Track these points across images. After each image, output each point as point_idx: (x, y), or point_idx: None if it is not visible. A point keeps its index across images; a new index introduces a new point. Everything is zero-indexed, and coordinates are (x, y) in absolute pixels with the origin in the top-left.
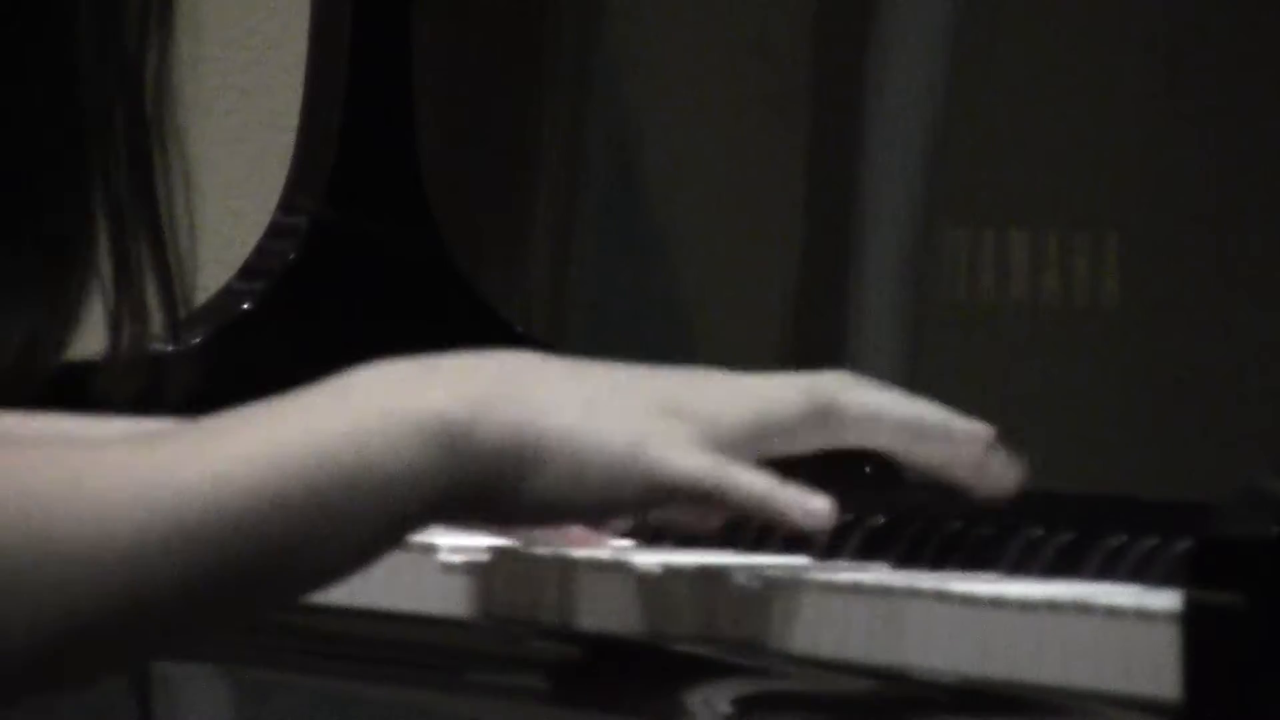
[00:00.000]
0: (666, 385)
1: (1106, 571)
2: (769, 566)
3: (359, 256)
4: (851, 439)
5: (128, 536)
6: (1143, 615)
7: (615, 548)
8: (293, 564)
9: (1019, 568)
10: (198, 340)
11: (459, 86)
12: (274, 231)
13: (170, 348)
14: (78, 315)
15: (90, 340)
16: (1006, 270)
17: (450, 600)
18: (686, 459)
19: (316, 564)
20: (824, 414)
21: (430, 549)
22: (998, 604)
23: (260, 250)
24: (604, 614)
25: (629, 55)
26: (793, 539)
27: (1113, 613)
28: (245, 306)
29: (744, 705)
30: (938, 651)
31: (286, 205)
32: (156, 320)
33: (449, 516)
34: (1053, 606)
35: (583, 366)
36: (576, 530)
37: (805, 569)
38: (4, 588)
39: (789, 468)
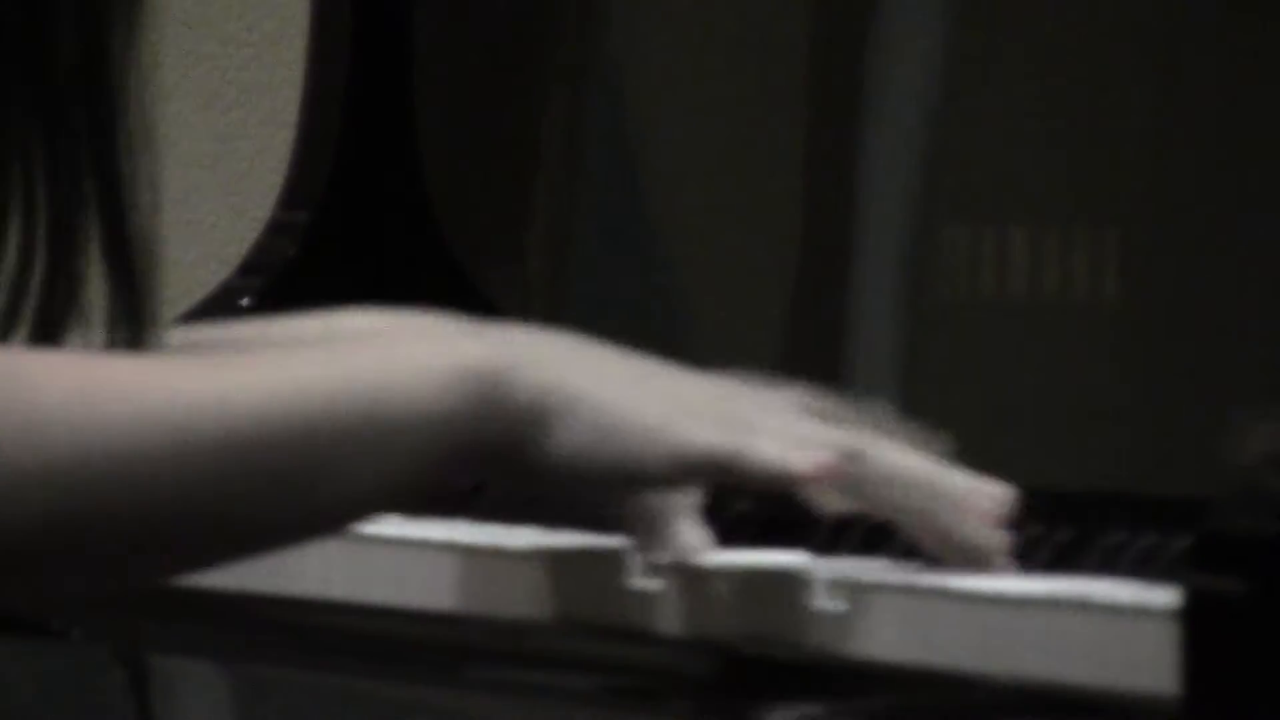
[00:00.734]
0: (705, 386)
1: (1106, 568)
2: (770, 564)
3: (359, 254)
4: (872, 492)
5: (126, 450)
6: (1142, 612)
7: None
8: (305, 492)
9: (1019, 564)
10: None
11: (459, 83)
12: (273, 228)
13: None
14: (71, 304)
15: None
16: (1005, 267)
17: (452, 595)
18: (711, 433)
19: (333, 495)
20: (851, 461)
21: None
22: (997, 600)
23: (259, 247)
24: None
25: (629, 53)
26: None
27: (1112, 609)
28: (244, 303)
29: (735, 699)
30: (937, 648)
31: (286, 202)
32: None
33: (476, 466)
34: (1052, 603)
35: (630, 355)
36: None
37: (805, 565)
38: (3, 494)
39: None
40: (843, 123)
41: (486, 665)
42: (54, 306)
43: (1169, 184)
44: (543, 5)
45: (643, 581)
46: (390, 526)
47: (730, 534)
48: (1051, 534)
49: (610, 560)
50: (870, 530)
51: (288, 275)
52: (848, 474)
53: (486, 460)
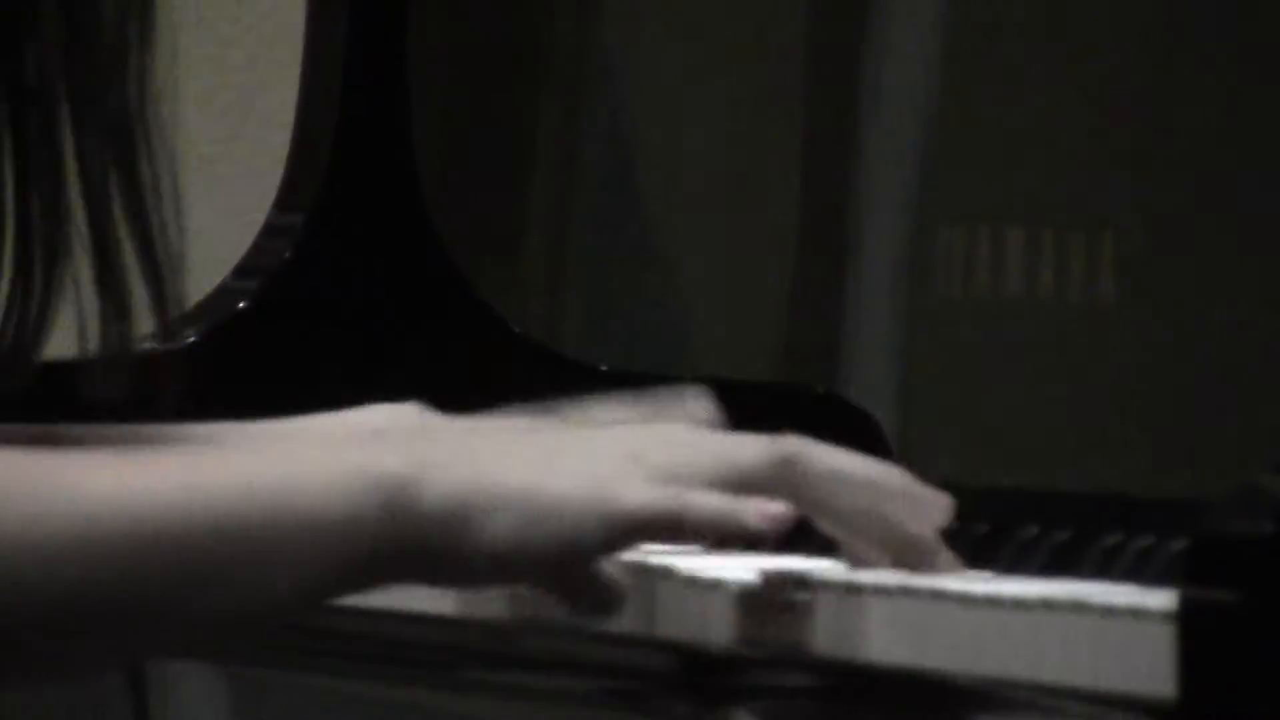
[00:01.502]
0: (625, 437)
1: (1103, 570)
2: (766, 569)
3: (354, 255)
4: (815, 494)
5: (32, 544)
6: (1139, 614)
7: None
8: (209, 592)
9: (1015, 566)
10: (193, 338)
11: (455, 86)
12: (270, 230)
13: (163, 346)
14: (51, 311)
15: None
16: (1002, 268)
17: (447, 598)
18: (645, 491)
19: (239, 596)
20: (787, 464)
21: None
22: (993, 602)
23: (256, 249)
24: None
25: (625, 56)
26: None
27: (1109, 612)
28: (241, 305)
29: (730, 700)
30: (934, 650)
31: (282, 204)
32: (145, 320)
33: (396, 574)
34: (1049, 605)
35: (538, 426)
36: None
37: (802, 569)
38: None
39: None
40: (839, 125)
41: (482, 667)
42: (103, 339)
43: (1165, 186)
44: (538, 7)
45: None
46: None
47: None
48: (1048, 536)
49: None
50: None
51: (283, 278)
52: (789, 482)
53: (404, 566)
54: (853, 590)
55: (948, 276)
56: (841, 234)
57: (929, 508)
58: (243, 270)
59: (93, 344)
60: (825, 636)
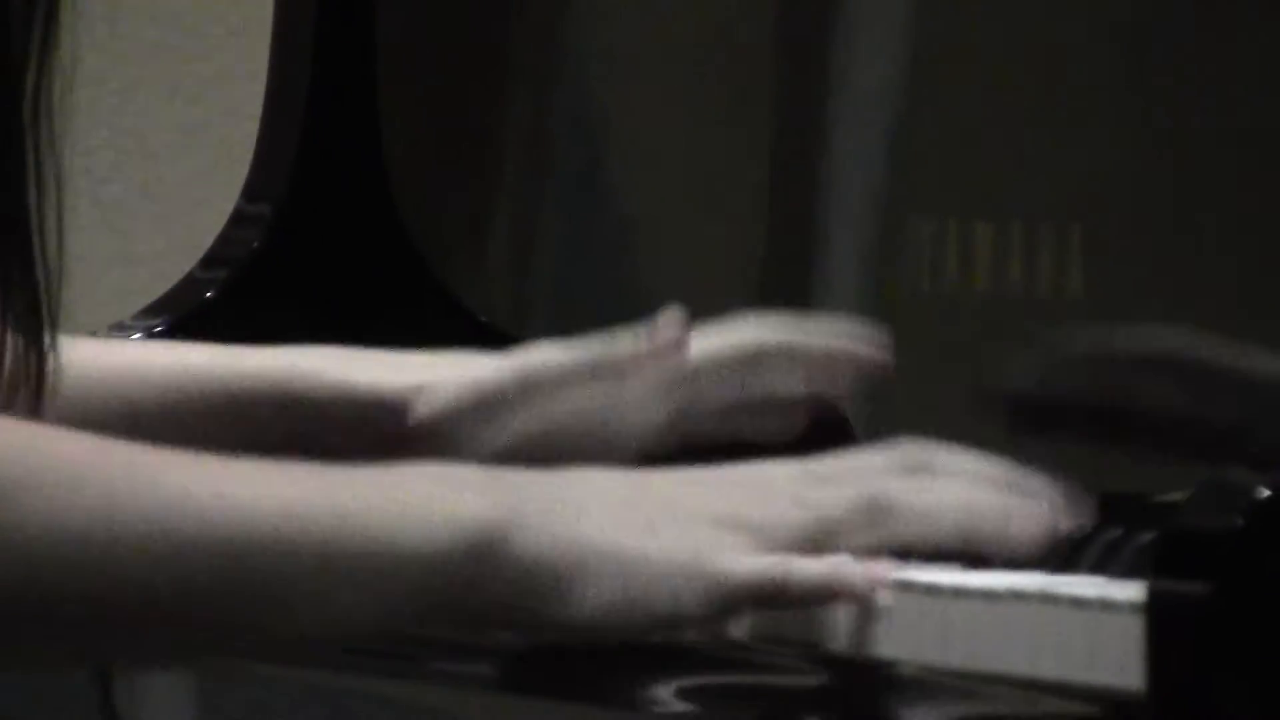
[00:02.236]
0: (721, 496)
1: (1071, 563)
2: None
3: (321, 245)
4: (908, 535)
5: (100, 532)
6: (1107, 605)
7: None
8: (279, 610)
9: (984, 558)
10: (160, 328)
11: (422, 75)
12: (237, 220)
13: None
14: None
15: None
16: (970, 262)
17: None
18: (746, 564)
19: (307, 619)
20: (876, 511)
21: None
22: (960, 593)
23: (223, 239)
24: None
25: (592, 48)
26: None
27: (1077, 603)
28: (208, 295)
29: (696, 691)
30: (903, 640)
31: (249, 194)
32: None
33: (484, 620)
34: (1017, 596)
35: (637, 478)
36: None
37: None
38: None
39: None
40: (807, 119)
41: (448, 659)
42: None
43: (1132, 181)
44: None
45: None
46: None
47: None
48: None
49: None
50: None
51: (251, 266)
52: (877, 525)
53: (487, 615)
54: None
55: (915, 269)
56: (809, 227)
57: (1032, 521)
58: (210, 260)
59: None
60: (793, 627)
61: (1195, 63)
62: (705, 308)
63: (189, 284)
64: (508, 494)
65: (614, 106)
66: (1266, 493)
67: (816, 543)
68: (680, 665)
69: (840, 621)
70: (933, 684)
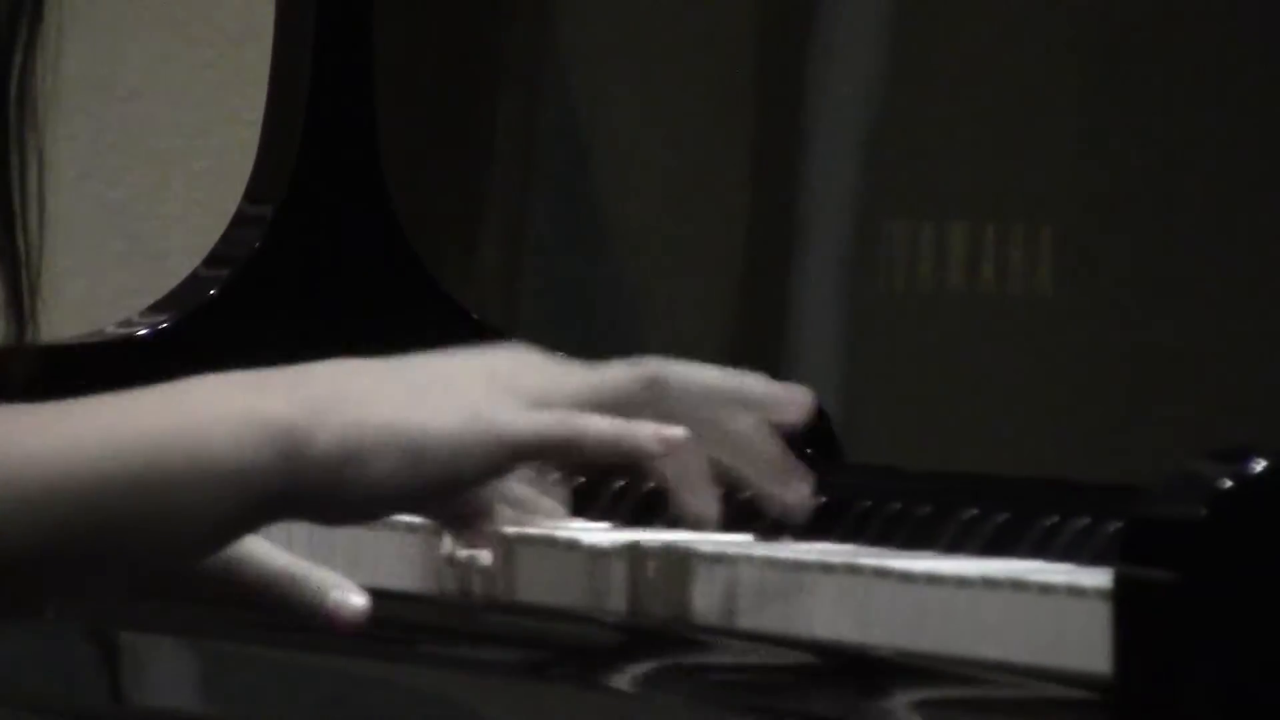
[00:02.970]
0: (496, 364)
1: (1040, 550)
2: (712, 543)
3: (321, 245)
4: (682, 407)
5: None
6: (1074, 592)
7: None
8: (127, 543)
9: (956, 547)
10: (164, 326)
11: (418, 81)
12: (239, 221)
13: (134, 334)
14: None
15: None
16: (944, 261)
17: (410, 574)
18: (530, 416)
19: (150, 546)
20: (653, 384)
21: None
22: (934, 580)
23: (226, 239)
24: (541, 587)
25: (582, 50)
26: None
27: (1046, 589)
28: (211, 293)
29: (680, 676)
30: (876, 626)
31: (252, 196)
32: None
33: (287, 515)
34: (988, 583)
35: (409, 359)
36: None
37: (748, 546)
38: None
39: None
40: (787, 120)
41: (442, 641)
42: None
43: (1101, 182)
44: (500, 3)
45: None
46: None
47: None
48: (987, 517)
49: (565, 542)
50: (811, 514)
51: (253, 266)
52: (656, 402)
53: (295, 506)
54: (797, 567)
55: (890, 269)
56: (790, 226)
57: (791, 405)
58: (214, 260)
59: None
60: (769, 612)
61: (1167, 65)
62: (688, 304)
63: (193, 282)
64: (297, 391)
65: (602, 109)
66: (1229, 483)
67: (594, 405)
68: (654, 650)
69: (815, 607)
70: (905, 669)
